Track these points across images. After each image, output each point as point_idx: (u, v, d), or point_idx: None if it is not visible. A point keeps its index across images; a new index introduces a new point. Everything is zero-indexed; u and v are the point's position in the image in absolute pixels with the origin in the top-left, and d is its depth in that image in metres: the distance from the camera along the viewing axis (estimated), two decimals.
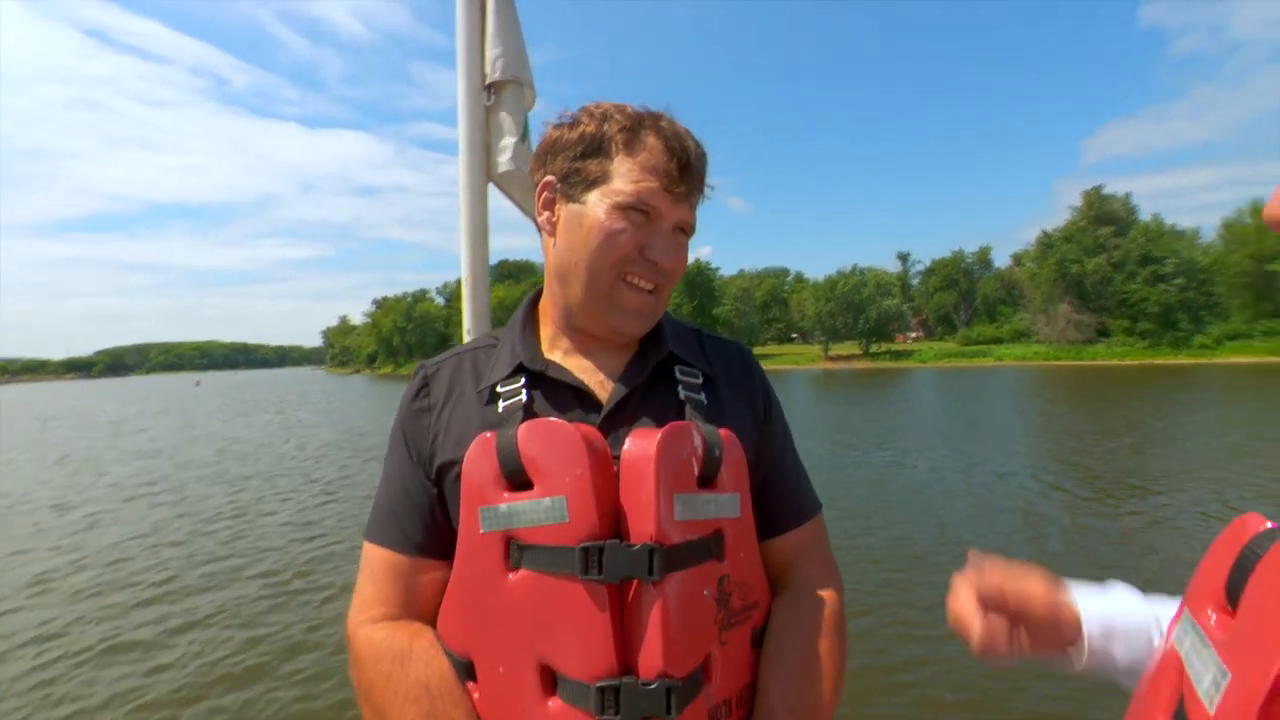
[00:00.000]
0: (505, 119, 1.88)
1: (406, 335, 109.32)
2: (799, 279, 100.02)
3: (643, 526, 0.68)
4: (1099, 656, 0.71)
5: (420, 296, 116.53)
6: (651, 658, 0.66)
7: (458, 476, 0.77)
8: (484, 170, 1.87)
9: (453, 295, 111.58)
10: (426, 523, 0.81)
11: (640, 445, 0.71)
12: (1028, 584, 0.74)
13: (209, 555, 7.04)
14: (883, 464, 11.20)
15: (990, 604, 0.74)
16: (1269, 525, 0.46)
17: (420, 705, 0.70)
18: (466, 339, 1.82)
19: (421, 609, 0.80)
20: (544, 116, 0.88)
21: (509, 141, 1.88)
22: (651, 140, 0.79)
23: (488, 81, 1.86)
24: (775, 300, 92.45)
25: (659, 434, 0.72)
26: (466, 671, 0.73)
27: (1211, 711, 0.40)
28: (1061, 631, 0.72)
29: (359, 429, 19.95)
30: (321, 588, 6.00)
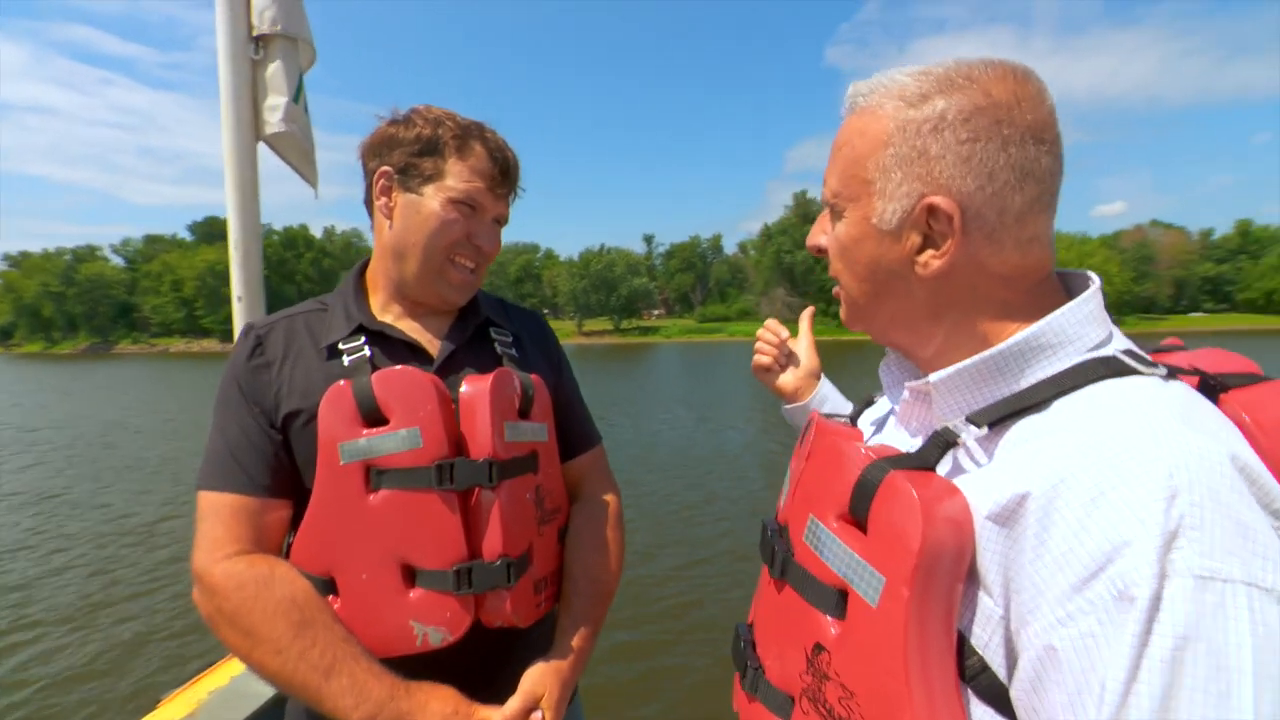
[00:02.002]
0: (276, 76, 1.79)
1: (66, 303, 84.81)
2: (549, 255, 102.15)
3: (482, 446, 0.89)
4: (818, 404, 1.14)
5: (86, 255, 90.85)
6: (494, 543, 0.88)
7: (307, 422, 0.89)
8: (252, 128, 1.77)
9: (137, 256, 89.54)
10: (271, 466, 0.90)
11: (477, 386, 0.92)
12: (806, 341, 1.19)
13: None
14: (651, 430, 12.43)
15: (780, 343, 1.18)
16: (862, 446, 0.60)
17: (290, 617, 0.81)
18: (238, 307, 1.75)
19: (272, 544, 0.90)
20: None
21: (279, 101, 1.80)
22: (479, 148, 0.97)
23: (255, 33, 1.75)
24: (528, 275, 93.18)
25: (490, 377, 0.93)
26: (326, 588, 0.87)
27: (874, 606, 0.53)
28: (811, 370, 1.16)
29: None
30: None
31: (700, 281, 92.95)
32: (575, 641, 0.96)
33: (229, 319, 1.75)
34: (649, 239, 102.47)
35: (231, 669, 1.75)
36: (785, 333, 1.20)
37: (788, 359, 1.18)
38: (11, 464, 10.53)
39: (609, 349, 55.32)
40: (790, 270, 72.88)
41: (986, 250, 0.57)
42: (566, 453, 1.14)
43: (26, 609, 5.13)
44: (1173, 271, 76.70)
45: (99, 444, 12.28)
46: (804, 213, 74.02)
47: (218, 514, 0.87)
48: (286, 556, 0.90)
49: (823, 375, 1.18)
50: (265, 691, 1.64)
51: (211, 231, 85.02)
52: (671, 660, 4.14)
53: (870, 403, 0.83)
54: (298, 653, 0.80)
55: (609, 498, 1.16)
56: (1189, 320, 73.09)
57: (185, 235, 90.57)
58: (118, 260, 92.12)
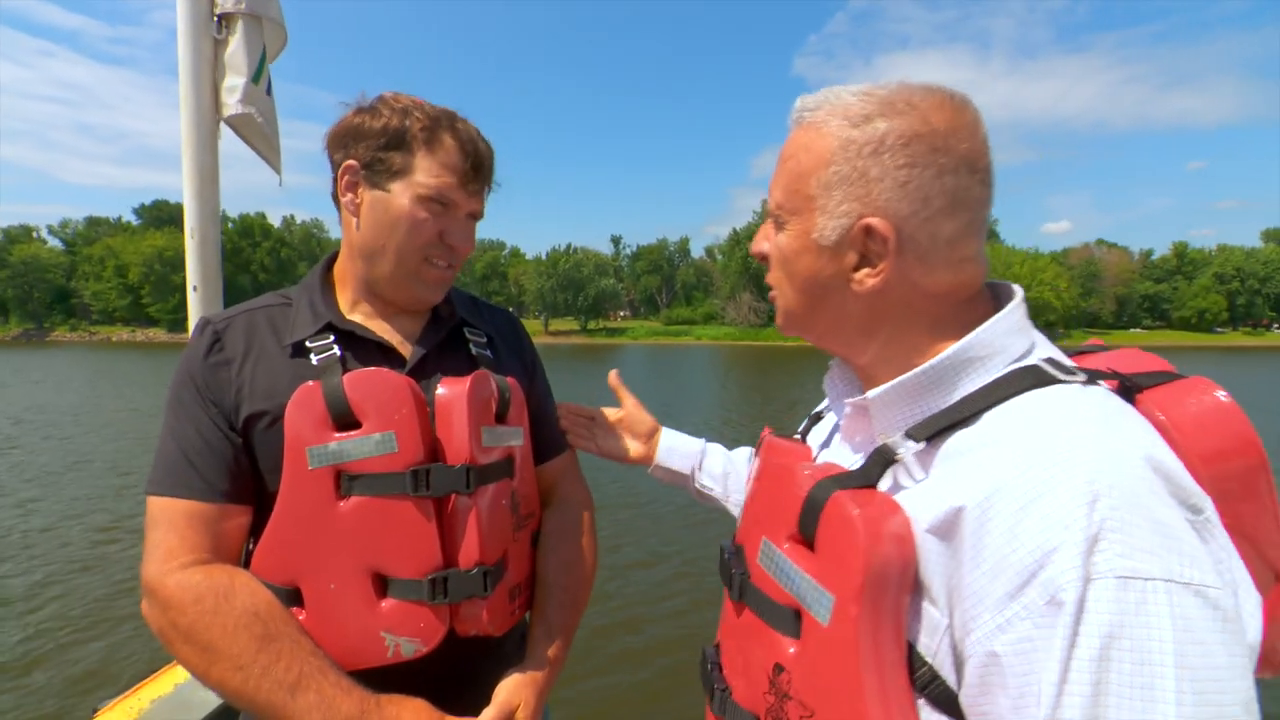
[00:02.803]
0: (236, 55, 1.71)
1: None
2: (516, 253, 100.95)
3: (459, 452, 0.86)
4: (665, 458, 1.18)
5: (19, 235, 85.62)
6: (470, 551, 0.86)
7: (271, 424, 0.85)
8: (213, 110, 1.69)
9: (77, 238, 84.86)
10: (230, 470, 0.85)
11: (454, 389, 0.89)
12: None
13: None
14: None
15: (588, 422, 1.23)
16: (810, 465, 0.62)
17: (253, 630, 0.77)
18: (193, 297, 1.67)
19: (230, 553, 0.85)
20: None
21: (237, 81, 1.72)
22: (449, 141, 0.91)
23: (219, 12, 1.67)
24: (495, 273, 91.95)
25: (468, 380, 0.90)
26: (290, 599, 0.83)
27: (826, 624, 0.54)
28: (647, 430, 1.20)
29: None
30: None
31: (667, 284, 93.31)
32: (549, 650, 0.94)
33: (178, 308, 1.68)
34: (617, 240, 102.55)
35: (175, 676, 1.66)
36: (591, 410, 1.24)
37: (616, 427, 1.22)
38: None
39: (575, 349, 55.12)
40: (757, 275, 73.86)
41: (919, 271, 0.60)
42: (539, 456, 1.12)
43: None
44: (1116, 289, 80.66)
45: (37, 435, 11.61)
46: None
47: (171, 521, 0.82)
48: (246, 566, 0.86)
49: (662, 427, 1.22)
50: (212, 700, 1.56)
51: (161, 216, 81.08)
52: (630, 668, 4.13)
53: (819, 417, 0.84)
54: (261, 668, 0.75)
55: (582, 503, 1.14)
56: (1130, 336, 76.88)
57: (130, 218, 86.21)
58: (55, 242, 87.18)
